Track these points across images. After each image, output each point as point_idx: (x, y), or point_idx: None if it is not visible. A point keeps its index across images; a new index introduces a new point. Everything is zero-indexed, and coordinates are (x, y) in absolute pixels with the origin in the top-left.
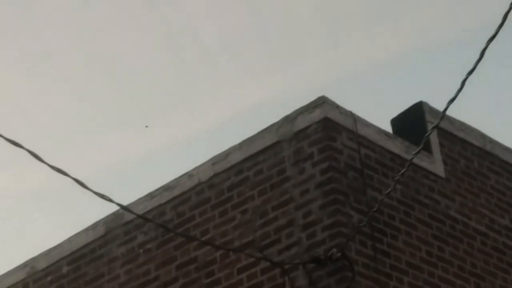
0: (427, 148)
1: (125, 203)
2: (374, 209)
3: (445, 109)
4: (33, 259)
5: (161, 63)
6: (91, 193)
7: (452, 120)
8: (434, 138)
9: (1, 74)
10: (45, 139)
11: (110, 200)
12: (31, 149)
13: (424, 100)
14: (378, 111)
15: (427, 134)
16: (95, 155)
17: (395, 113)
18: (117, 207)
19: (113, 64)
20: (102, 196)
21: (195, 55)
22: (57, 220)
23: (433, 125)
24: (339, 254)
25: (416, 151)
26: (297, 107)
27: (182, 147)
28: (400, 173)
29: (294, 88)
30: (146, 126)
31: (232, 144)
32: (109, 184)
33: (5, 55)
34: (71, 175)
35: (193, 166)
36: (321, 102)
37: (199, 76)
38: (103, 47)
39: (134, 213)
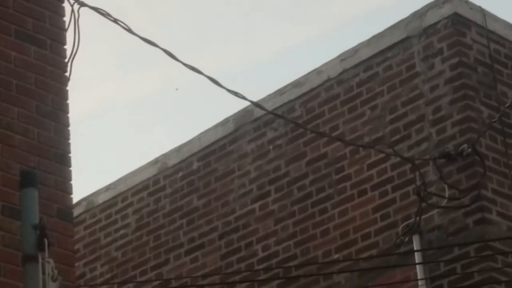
0: None
1: (254, 100)
2: (507, 105)
3: None
4: (164, 155)
5: None
6: (222, 91)
7: None
8: None
9: None
10: (178, 39)
11: (243, 98)
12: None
13: None
14: (506, 5)
15: None
16: (227, 54)
17: None
18: (246, 104)
19: None
20: (235, 93)
21: None
22: (188, 119)
23: None
24: (469, 149)
25: None
26: (426, 2)
27: (311, 44)
28: None
29: None
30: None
31: (361, 41)
32: (238, 82)
33: None
34: (205, 73)
35: (322, 63)
36: None
37: None
38: None
39: (266, 110)
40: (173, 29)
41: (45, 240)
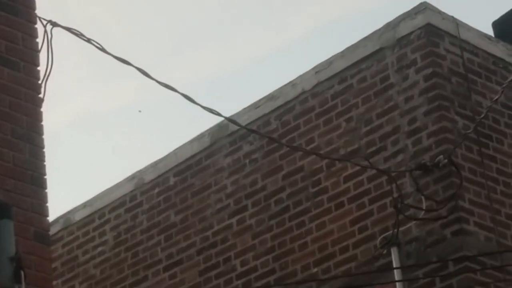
0: None
1: (229, 114)
2: (482, 116)
3: None
4: (140, 171)
5: None
6: (197, 106)
7: None
8: None
9: None
10: (151, 49)
11: (218, 114)
12: (138, 66)
13: None
14: (479, 14)
15: None
16: (201, 62)
17: (496, 16)
18: (221, 119)
19: None
20: (210, 110)
21: None
22: (163, 133)
23: None
24: (445, 160)
25: None
26: (399, 13)
27: (283, 54)
28: (508, 80)
29: None
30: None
31: (333, 51)
32: (213, 90)
33: None
34: (178, 89)
35: (296, 74)
36: (423, 8)
37: None
38: None
39: (240, 125)
40: (146, 39)
41: (22, 272)
